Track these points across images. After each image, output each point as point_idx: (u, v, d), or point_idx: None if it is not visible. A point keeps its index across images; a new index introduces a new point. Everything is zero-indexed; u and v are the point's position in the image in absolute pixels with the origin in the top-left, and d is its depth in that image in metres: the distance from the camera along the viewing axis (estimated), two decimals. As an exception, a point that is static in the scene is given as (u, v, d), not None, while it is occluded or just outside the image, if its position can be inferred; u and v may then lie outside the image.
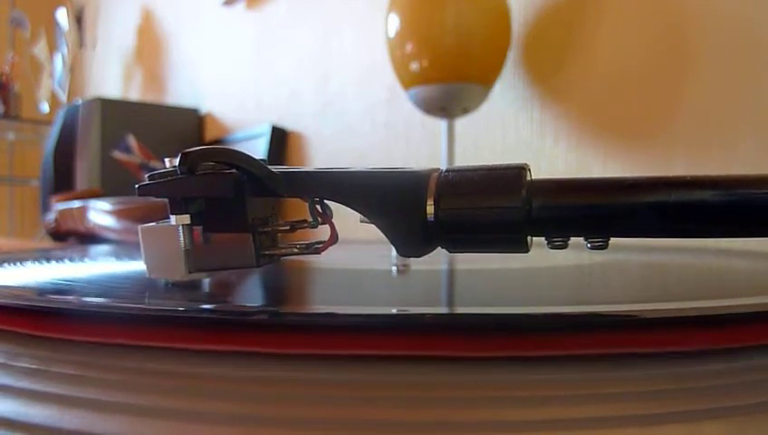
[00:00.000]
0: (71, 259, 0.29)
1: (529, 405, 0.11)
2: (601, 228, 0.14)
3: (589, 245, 0.14)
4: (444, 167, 0.15)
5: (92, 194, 0.93)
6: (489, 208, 0.14)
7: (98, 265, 0.28)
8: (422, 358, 0.12)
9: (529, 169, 0.15)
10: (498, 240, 0.14)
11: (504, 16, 0.68)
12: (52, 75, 1.91)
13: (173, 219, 0.17)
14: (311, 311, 0.16)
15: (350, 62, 1.01)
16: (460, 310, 0.17)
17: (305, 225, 0.17)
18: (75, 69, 1.93)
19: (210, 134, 1.36)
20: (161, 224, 0.17)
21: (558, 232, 0.14)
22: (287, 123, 1.13)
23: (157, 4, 1.62)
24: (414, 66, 0.68)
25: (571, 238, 0.15)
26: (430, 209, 0.14)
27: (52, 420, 0.11)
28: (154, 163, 1.13)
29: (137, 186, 0.17)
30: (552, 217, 0.14)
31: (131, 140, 1.14)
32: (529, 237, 0.15)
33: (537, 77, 0.74)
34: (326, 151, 1.06)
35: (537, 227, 0.14)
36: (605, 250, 0.14)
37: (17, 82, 1.92)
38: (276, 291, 0.20)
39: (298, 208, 0.16)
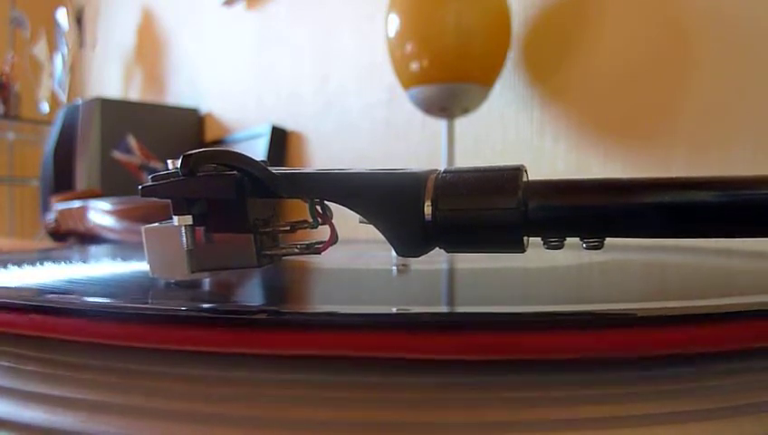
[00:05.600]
0: (70, 259, 0.29)
1: (529, 405, 0.11)
2: (597, 229, 0.14)
3: (584, 245, 0.14)
4: (444, 167, 0.16)
5: (92, 194, 0.94)
6: (486, 209, 0.14)
7: (98, 266, 0.28)
8: (422, 358, 0.12)
9: (525, 171, 0.15)
10: (495, 240, 0.15)
11: (503, 16, 0.68)
12: (52, 75, 1.91)
13: (175, 220, 0.17)
14: (311, 310, 0.16)
15: (350, 62, 1.02)
16: (460, 309, 0.17)
17: (305, 225, 0.17)
18: (75, 69, 1.93)
19: (210, 134, 1.37)
20: (164, 224, 0.17)
21: (554, 232, 0.14)
22: (287, 123, 1.13)
23: (157, 4, 1.62)
24: (414, 66, 0.68)
25: (568, 238, 0.15)
26: (428, 210, 0.15)
27: (52, 421, 0.11)
28: (154, 163, 1.13)
29: (140, 187, 0.17)
30: (548, 217, 0.14)
31: (131, 141, 1.14)
32: (525, 238, 0.15)
33: (537, 77, 0.74)
34: (326, 151, 1.06)
35: (533, 227, 0.14)
36: (602, 250, 0.15)
37: (17, 82, 1.92)
38: (277, 291, 0.21)
39: (298, 209, 0.17)
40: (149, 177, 0.17)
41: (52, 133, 1.37)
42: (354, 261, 0.28)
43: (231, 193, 0.16)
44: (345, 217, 0.18)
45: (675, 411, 0.11)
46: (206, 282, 0.19)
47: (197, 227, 0.17)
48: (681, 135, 0.61)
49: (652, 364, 0.12)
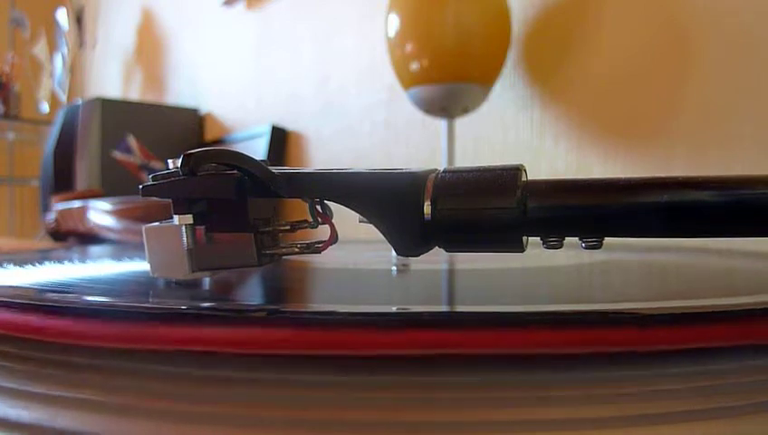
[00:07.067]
0: (70, 259, 0.29)
1: (529, 405, 0.11)
2: (596, 228, 0.14)
3: (583, 244, 0.14)
4: (444, 167, 0.16)
5: (92, 194, 0.94)
6: (485, 209, 0.14)
7: (98, 266, 0.28)
8: (422, 357, 0.12)
9: (525, 170, 0.15)
10: (494, 240, 0.15)
11: (503, 16, 0.68)
12: (52, 75, 1.91)
13: (176, 219, 0.17)
14: (311, 309, 0.16)
15: (350, 63, 1.02)
16: (460, 308, 0.17)
17: (305, 225, 0.17)
18: (75, 69, 1.93)
19: (210, 134, 1.37)
20: (165, 224, 0.17)
21: (553, 232, 0.14)
22: (287, 123, 1.14)
23: (157, 4, 1.62)
24: (414, 66, 0.68)
25: (567, 238, 0.15)
26: (427, 210, 0.15)
27: (51, 421, 0.11)
28: (154, 163, 1.13)
29: (140, 186, 0.17)
30: (547, 217, 0.14)
31: (131, 140, 1.14)
32: (525, 237, 0.15)
33: (537, 77, 0.74)
34: (326, 151, 1.07)
35: (532, 227, 0.14)
36: (602, 249, 0.15)
37: (17, 82, 1.92)
38: (277, 290, 0.21)
39: (298, 209, 0.17)
40: (150, 176, 0.17)
41: (52, 133, 1.37)
42: (354, 261, 0.28)
43: (231, 193, 0.16)
44: (345, 217, 0.18)
45: (674, 412, 0.11)
46: (207, 281, 0.19)
47: (198, 227, 0.17)
48: (681, 135, 0.61)
49: (651, 364, 0.12)
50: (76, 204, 0.78)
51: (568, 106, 0.71)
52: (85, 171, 1.24)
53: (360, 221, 0.16)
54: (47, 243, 0.84)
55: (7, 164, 2.01)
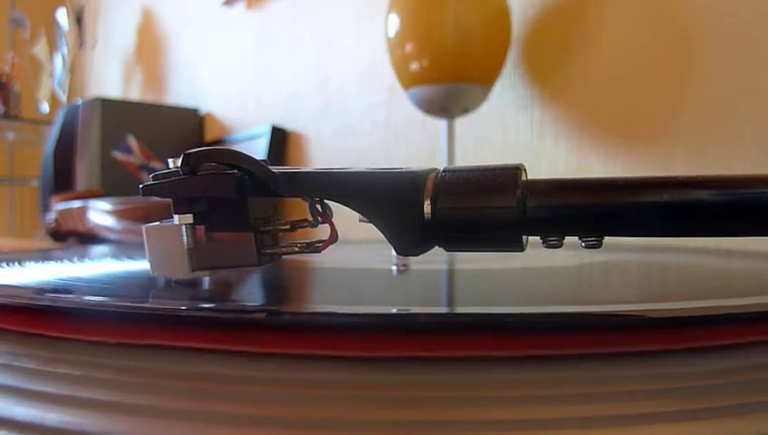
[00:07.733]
0: (70, 259, 0.29)
1: (527, 404, 0.11)
2: (595, 228, 0.14)
3: (583, 244, 0.14)
4: (443, 167, 0.16)
5: (92, 194, 0.94)
6: (485, 208, 0.14)
7: (98, 265, 0.28)
8: (422, 358, 0.12)
9: (525, 170, 0.15)
10: (494, 239, 0.15)
11: (503, 16, 0.69)
12: (52, 75, 1.91)
13: (176, 219, 0.17)
14: (311, 310, 0.16)
15: (350, 62, 1.02)
16: (460, 310, 0.17)
17: (305, 224, 0.17)
18: (75, 69, 1.93)
19: (210, 134, 1.37)
20: (165, 223, 0.17)
21: (553, 231, 0.14)
22: (287, 123, 1.14)
23: (157, 4, 1.62)
24: (414, 66, 0.68)
25: (566, 237, 0.15)
26: (427, 209, 0.15)
27: (52, 420, 0.11)
28: (154, 164, 1.13)
29: (141, 186, 0.17)
30: (547, 216, 0.14)
31: (131, 140, 1.15)
32: (525, 236, 0.15)
33: (537, 77, 0.74)
34: (326, 151, 1.07)
35: (532, 226, 0.14)
36: (602, 250, 0.15)
37: (17, 82, 1.92)
38: (277, 290, 0.21)
39: (298, 208, 0.17)
40: (150, 176, 0.17)
41: (52, 133, 1.37)
42: (354, 260, 0.28)
43: (232, 192, 0.16)
44: (345, 217, 0.18)
45: (673, 411, 0.11)
46: (207, 280, 0.19)
47: (198, 226, 0.17)
48: (681, 135, 0.61)
49: (650, 364, 0.12)
50: (76, 204, 0.78)
51: (568, 106, 0.71)
52: (85, 171, 1.24)
53: (360, 221, 0.16)
54: (47, 243, 0.84)
55: (7, 164, 2.01)
